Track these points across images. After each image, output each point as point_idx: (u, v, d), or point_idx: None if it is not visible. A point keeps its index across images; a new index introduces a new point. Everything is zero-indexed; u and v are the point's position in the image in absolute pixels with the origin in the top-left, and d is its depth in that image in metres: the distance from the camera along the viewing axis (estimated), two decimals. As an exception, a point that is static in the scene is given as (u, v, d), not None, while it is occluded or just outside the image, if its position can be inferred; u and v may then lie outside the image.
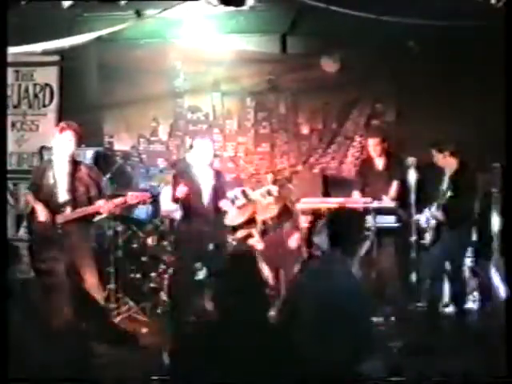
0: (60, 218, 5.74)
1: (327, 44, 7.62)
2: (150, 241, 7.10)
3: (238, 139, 8.00)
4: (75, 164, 5.87)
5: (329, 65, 7.73)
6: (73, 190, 5.78)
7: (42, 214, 5.70)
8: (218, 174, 6.35)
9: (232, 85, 7.93)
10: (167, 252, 6.86)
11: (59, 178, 5.79)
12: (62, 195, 5.78)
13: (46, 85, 8.14)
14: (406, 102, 7.65)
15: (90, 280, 5.69)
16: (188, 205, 6.20)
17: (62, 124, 5.83)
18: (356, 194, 7.09)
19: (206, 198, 6.16)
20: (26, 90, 8.16)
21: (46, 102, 8.14)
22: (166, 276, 6.76)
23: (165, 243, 6.93)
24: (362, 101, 7.79)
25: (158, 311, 6.65)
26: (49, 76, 8.13)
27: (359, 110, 7.81)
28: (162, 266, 6.82)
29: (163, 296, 6.68)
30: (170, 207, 6.89)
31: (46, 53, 6.74)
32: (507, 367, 3.70)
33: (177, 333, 5.07)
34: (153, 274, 6.84)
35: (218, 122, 8.02)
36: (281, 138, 7.90)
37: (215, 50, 7.84)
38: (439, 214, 6.14)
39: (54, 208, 5.77)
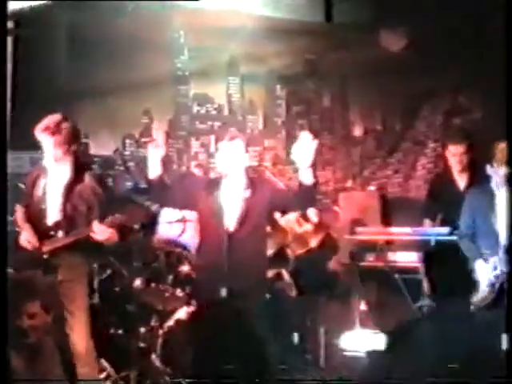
0: (47, 245, 4.97)
1: (389, 12, 6.85)
2: (138, 282, 6.07)
3: (264, 143, 7.45)
4: (78, 173, 5.03)
5: (391, 41, 6.98)
6: (68, 208, 4.99)
7: (25, 239, 5.01)
8: (255, 186, 5.20)
9: (255, 66, 7.34)
10: (163, 298, 6.04)
11: (51, 191, 5.03)
12: (53, 214, 5.01)
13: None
14: (496, 93, 6.34)
15: (79, 340, 4.85)
16: (205, 229, 5.19)
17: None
18: (428, 223, 6.15)
19: (235, 219, 5.02)
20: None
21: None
22: (160, 332, 5.88)
23: (159, 286, 6.13)
24: (438, 92, 7.09)
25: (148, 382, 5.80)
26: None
27: (434, 104, 7.11)
28: (155, 319, 5.96)
29: (155, 361, 5.69)
30: (172, 231, 6.27)
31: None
32: (507, 367, 4.05)
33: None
34: (142, 330, 5.90)
35: (235, 118, 7.49)
36: (324, 142, 7.18)
37: (232, 18, 7.14)
38: None
39: (42, 231, 5.03)
